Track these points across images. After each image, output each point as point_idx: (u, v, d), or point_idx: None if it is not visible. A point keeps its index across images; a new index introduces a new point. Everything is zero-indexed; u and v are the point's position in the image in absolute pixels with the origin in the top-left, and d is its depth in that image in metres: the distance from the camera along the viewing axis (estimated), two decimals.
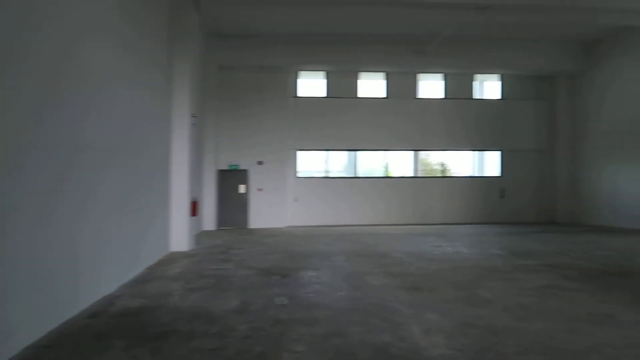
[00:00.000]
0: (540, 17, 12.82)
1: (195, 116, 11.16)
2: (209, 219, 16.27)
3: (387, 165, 18.73)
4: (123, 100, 6.91)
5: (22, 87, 4.15)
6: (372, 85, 18.63)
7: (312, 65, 17.44)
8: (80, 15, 5.43)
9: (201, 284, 6.96)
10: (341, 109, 17.99)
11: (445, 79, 18.63)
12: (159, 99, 9.41)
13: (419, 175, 18.81)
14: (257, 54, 16.48)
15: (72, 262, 5.23)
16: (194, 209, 11.15)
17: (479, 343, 4.30)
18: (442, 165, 19.11)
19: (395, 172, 19.01)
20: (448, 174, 19.18)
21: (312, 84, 18.49)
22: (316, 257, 9.61)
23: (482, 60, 17.47)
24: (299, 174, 18.07)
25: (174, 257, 9.58)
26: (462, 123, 18.54)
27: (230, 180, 17.07)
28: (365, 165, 18.98)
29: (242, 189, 17.17)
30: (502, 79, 19.04)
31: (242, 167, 17.14)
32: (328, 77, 18.13)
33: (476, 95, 19.07)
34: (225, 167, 17.03)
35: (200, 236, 13.70)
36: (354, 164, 18.49)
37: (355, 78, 18.28)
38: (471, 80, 18.87)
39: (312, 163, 18.59)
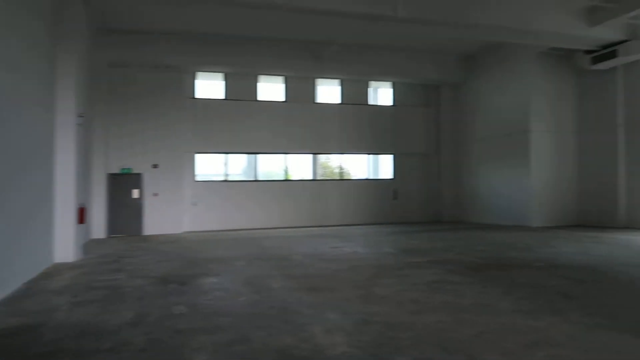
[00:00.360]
0: (427, 30, 13.75)
1: (82, 116, 10.37)
2: (98, 227, 15.19)
3: (286, 168, 18.90)
4: None
5: None
6: (271, 89, 18.69)
7: (210, 66, 17.07)
8: None
9: (90, 296, 6.48)
10: (241, 111, 17.81)
11: (342, 85, 19.25)
12: (36, 94, 8.56)
13: (318, 178, 19.23)
14: (152, 52, 15.74)
15: None
16: (81, 215, 10.34)
17: (377, 338, 4.50)
18: (341, 168, 19.72)
19: (294, 176, 19.24)
20: (346, 177, 19.83)
21: (210, 86, 18.09)
22: (216, 262, 9.41)
23: (375, 67, 18.35)
24: (198, 178, 17.57)
25: (58, 269, 8.81)
26: (358, 128, 19.29)
27: (123, 184, 16.10)
28: (265, 169, 18.99)
29: (135, 193, 16.27)
30: (394, 86, 20.13)
31: (135, 171, 16.24)
32: (227, 79, 17.86)
33: (371, 101, 19.96)
34: (116, 171, 16.02)
35: (89, 245, 12.74)
36: (254, 167, 18.39)
37: (255, 81, 18.22)
38: (366, 86, 19.71)
39: (211, 166, 18.18)
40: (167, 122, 16.58)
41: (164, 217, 16.40)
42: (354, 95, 19.44)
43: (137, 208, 16.24)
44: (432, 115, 20.56)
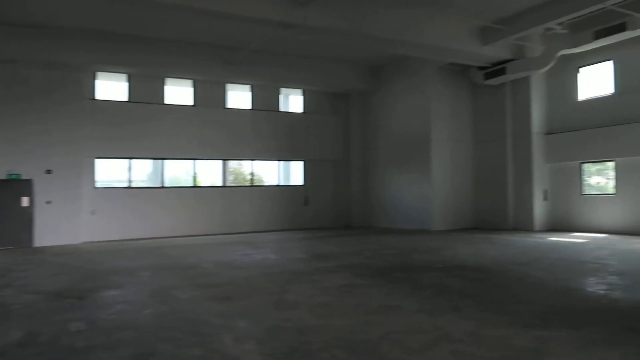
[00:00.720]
0: (336, 39, 14.12)
1: None
2: None
3: (195, 174, 18.35)
4: None
5: None
6: (179, 92, 18.06)
7: (112, 65, 16.10)
8: None
9: None
10: (146, 115, 16.98)
11: (253, 91, 19.12)
12: None
13: (229, 184, 18.90)
14: (44, 48, 14.44)
15: None
16: None
17: (289, 344, 4.52)
18: (252, 174, 19.53)
19: (204, 182, 18.75)
20: (258, 183, 19.69)
21: (113, 87, 17.09)
22: (118, 274, 8.88)
23: (286, 74, 18.46)
24: (98, 184, 16.47)
25: None
26: (269, 134, 19.25)
27: (9, 192, 14.63)
28: (172, 175, 18.29)
29: (25, 201, 14.86)
30: (304, 94, 20.39)
31: (25, 177, 14.84)
32: (131, 81, 16.96)
33: (282, 107, 20.04)
34: (2, 177, 14.54)
35: None
36: (160, 173, 17.64)
37: (162, 84, 17.48)
38: (277, 93, 19.77)
39: (113, 172, 17.14)
40: (63, 124, 15.34)
41: (59, 226, 15.13)
42: (265, 102, 19.41)
43: (26, 217, 14.84)
44: (342, 123, 21.10)
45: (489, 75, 16.79)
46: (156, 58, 16.11)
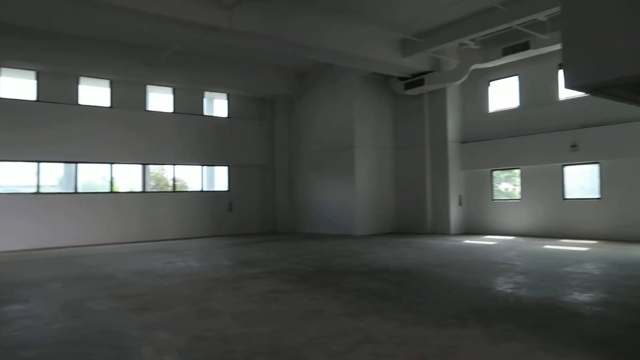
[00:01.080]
0: (261, 45, 14.10)
1: None
2: None
3: (113, 179, 17.42)
4: None
5: None
6: (95, 93, 17.11)
7: (17, 61, 14.94)
8: None
9: None
10: (57, 116, 15.88)
11: (175, 94, 18.55)
12: None
13: (149, 190, 18.16)
14: None
15: None
16: None
17: (211, 354, 4.42)
18: (175, 179, 18.90)
19: (122, 187, 17.87)
20: (181, 189, 19.08)
21: (18, 84, 15.82)
22: (23, 286, 8.22)
23: (210, 78, 18.13)
24: (1, 190, 15.15)
25: None
26: (192, 138, 18.75)
27: None
28: (87, 180, 17.26)
29: None
30: (229, 98, 20.11)
31: None
32: (40, 78, 15.80)
33: (206, 111, 19.62)
34: None
35: None
36: (73, 178, 16.54)
37: (76, 83, 16.47)
38: (201, 96, 19.32)
39: (18, 176, 15.84)
40: None
41: None
42: (189, 105, 18.90)
43: None
44: (267, 128, 21.04)
45: (408, 86, 17.55)
46: (69, 55, 15.20)
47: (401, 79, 17.76)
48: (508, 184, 17.57)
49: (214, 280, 8.52)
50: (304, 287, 7.64)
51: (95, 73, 16.50)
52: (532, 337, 4.78)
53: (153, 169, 18.94)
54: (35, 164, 15.74)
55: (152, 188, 18.69)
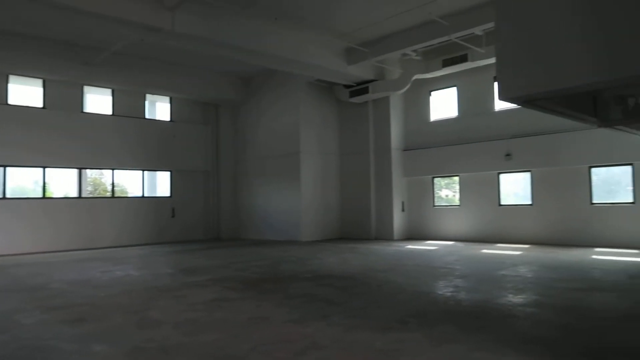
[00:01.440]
0: (205, 48, 13.85)
1: None
2: None
3: (46, 184, 16.48)
4: None
5: None
6: (26, 93, 16.16)
7: None
8: None
9: None
10: None
11: (114, 95, 17.85)
12: None
13: (86, 195, 17.33)
14: None
15: None
16: None
17: None
18: (114, 184, 18.13)
19: (56, 192, 16.95)
20: (120, 194, 18.34)
21: None
22: None
23: (152, 80, 17.60)
24: None
25: None
26: (133, 142, 18.10)
27: None
28: (16, 184, 16.23)
29: None
30: (172, 102, 19.61)
31: None
32: None
33: (148, 115, 19.01)
34: None
35: None
36: (1, 182, 15.50)
37: (5, 81, 15.48)
38: (143, 99, 18.71)
39: None
40: None
41: None
42: (129, 108, 18.23)
43: None
44: (212, 133, 20.68)
45: (353, 93, 17.83)
46: None
47: (346, 86, 18.03)
48: (448, 191, 18.23)
49: (155, 288, 8.25)
50: (248, 294, 7.56)
51: (26, 71, 15.60)
52: (470, 339, 4.97)
53: (90, 173, 18.10)
54: None
55: (89, 193, 17.86)
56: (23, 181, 16.50)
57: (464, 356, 4.46)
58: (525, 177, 15.40)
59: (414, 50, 15.59)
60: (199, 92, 19.16)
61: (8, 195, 15.55)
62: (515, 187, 16.04)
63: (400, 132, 18.29)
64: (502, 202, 15.88)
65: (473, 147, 16.17)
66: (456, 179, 17.26)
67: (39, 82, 16.09)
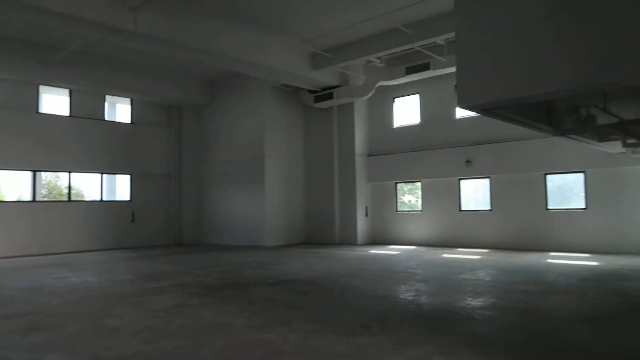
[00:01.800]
0: (169, 50, 13.63)
1: None
2: None
3: None
4: None
5: None
6: None
7: None
8: None
9: None
10: None
11: (72, 96, 17.28)
12: None
13: (40, 199, 16.69)
14: None
15: None
16: None
17: None
18: (71, 188, 17.51)
19: (8, 196, 16.25)
20: (77, 198, 17.74)
21: None
22: None
23: (113, 81, 17.12)
24: None
25: None
26: (92, 144, 17.55)
27: None
28: None
29: None
30: (133, 103, 19.16)
31: None
32: None
33: (107, 116, 18.49)
34: None
35: None
36: None
37: None
38: (102, 100, 18.20)
39: None
40: None
41: None
42: (88, 109, 17.69)
43: None
44: (174, 136, 20.30)
45: (318, 99, 17.93)
46: None
47: (311, 91, 18.10)
48: (411, 196, 18.53)
49: (114, 295, 8.03)
50: (210, 300, 7.45)
51: None
52: (431, 342, 5.06)
53: (45, 176, 17.45)
54: None
55: (44, 197, 17.21)
56: None
57: (424, 359, 4.53)
58: (485, 183, 15.84)
59: (378, 58, 15.84)
60: (161, 94, 18.79)
61: None
62: (475, 193, 16.48)
63: (364, 138, 18.49)
64: (463, 208, 16.27)
65: (435, 153, 16.52)
66: (418, 184, 17.58)
67: None
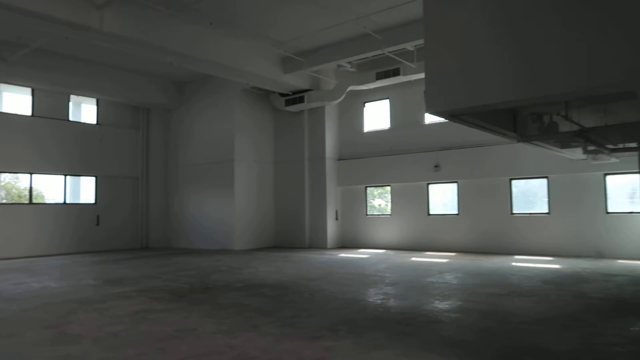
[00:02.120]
0: (137, 50, 13.36)
1: None
2: None
3: None
4: None
5: None
6: None
7: None
8: None
9: None
10: None
11: (34, 95, 16.72)
12: None
13: None
14: None
15: None
16: None
17: None
18: (31, 190, 16.91)
19: None
20: (38, 200, 17.14)
21: None
22: None
23: (78, 81, 16.63)
24: None
25: None
26: (55, 145, 17.00)
27: None
28: None
29: None
30: (99, 104, 18.68)
31: None
32: None
33: (72, 117, 17.97)
34: None
35: None
36: None
37: None
38: (67, 100, 17.69)
39: None
40: None
41: None
42: (51, 109, 17.15)
43: None
44: (142, 138, 19.89)
45: (289, 102, 17.89)
46: None
47: (282, 95, 18.05)
48: (381, 200, 18.68)
49: (75, 301, 7.78)
50: (177, 306, 7.31)
51: None
52: (398, 345, 5.09)
53: (4, 177, 16.82)
54: None
55: (2, 199, 16.58)
56: None
57: None
58: (453, 187, 16.11)
59: (349, 62, 15.94)
60: (129, 95, 18.38)
61: None
62: (443, 197, 16.73)
63: (334, 142, 18.55)
64: (431, 212, 16.50)
65: (404, 158, 16.71)
66: (388, 188, 17.74)
67: None
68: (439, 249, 15.72)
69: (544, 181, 14.37)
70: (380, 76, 15.74)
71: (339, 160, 18.55)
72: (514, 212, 14.83)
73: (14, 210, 16.24)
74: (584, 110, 8.56)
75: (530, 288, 8.63)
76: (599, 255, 13.05)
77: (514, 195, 14.94)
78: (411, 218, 16.80)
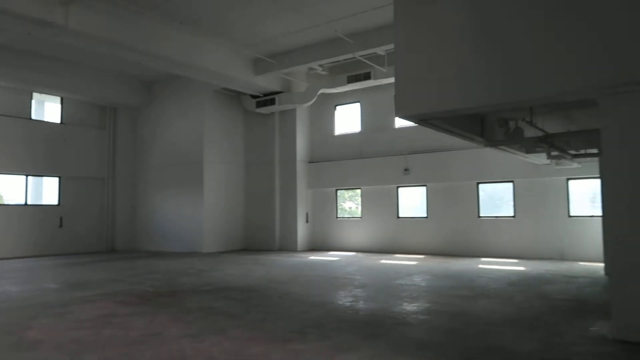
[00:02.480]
0: (103, 48, 13.02)
1: None
2: None
3: None
4: None
5: None
6: None
7: None
8: None
9: None
10: None
11: None
12: None
13: None
14: None
15: None
16: None
17: None
18: None
19: None
20: None
21: None
22: None
23: (41, 78, 16.12)
24: None
25: None
26: (16, 144, 16.43)
27: None
28: None
29: None
30: (63, 102, 18.15)
31: None
32: None
33: (34, 115, 17.40)
34: None
35: None
36: None
37: None
38: (29, 98, 17.11)
39: None
40: None
41: None
42: (12, 107, 16.56)
43: None
44: (108, 138, 19.41)
45: (260, 104, 17.81)
46: None
47: (253, 96, 17.94)
48: (351, 203, 18.77)
49: (36, 306, 7.51)
50: (142, 310, 7.15)
51: None
52: (366, 347, 5.11)
53: None
54: None
55: None
56: None
57: None
58: (422, 191, 16.32)
59: (321, 65, 15.98)
60: (94, 94, 17.91)
61: None
62: (412, 201, 16.93)
63: (305, 144, 18.55)
64: (401, 215, 16.68)
65: (374, 161, 16.84)
66: (358, 191, 17.84)
67: None
68: (408, 252, 15.89)
69: (510, 185, 14.72)
70: (352, 80, 15.84)
71: (309, 162, 18.56)
72: (481, 215, 15.13)
73: None
74: (548, 117, 8.83)
75: (496, 290, 8.81)
76: (562, 257, 13.45)
77: (481, 198, 15.25)
78: (381, 221, 16.94)
